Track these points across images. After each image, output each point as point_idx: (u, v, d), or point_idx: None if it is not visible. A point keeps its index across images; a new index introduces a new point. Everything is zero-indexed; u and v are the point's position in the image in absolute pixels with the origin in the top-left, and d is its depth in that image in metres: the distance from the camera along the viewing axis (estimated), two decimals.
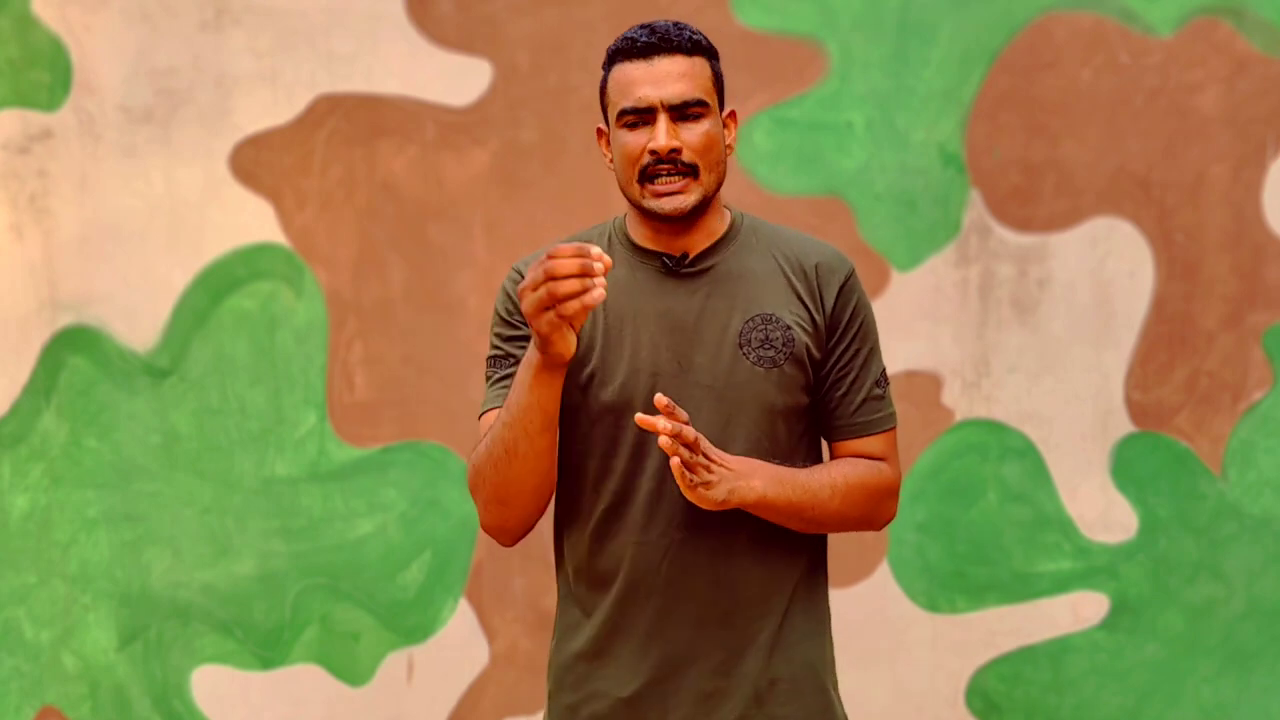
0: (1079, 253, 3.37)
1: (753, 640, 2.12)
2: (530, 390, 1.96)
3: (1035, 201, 3.36)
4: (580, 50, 3.37)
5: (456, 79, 3.38)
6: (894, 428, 2.21)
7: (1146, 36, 3.32)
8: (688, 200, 2.07)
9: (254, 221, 3.40)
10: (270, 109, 3.38)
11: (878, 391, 2.19)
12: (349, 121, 3.39)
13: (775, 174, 3.37)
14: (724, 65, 3.32)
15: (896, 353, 3.38)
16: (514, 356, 2.13)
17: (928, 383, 3.41)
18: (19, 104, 3.37)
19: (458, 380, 3.39)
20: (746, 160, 3.36)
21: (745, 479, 2.01)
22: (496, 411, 2.09)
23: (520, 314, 2.12)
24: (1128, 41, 3.32)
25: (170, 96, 3.37)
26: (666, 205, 2.06)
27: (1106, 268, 3.37)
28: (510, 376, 2.11)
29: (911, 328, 3.38)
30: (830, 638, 2.23)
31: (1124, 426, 3.39)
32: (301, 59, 3.37)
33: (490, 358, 2.18)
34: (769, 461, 2.09)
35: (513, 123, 3.38)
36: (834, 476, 2.11)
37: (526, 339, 2.11)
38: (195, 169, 3.39)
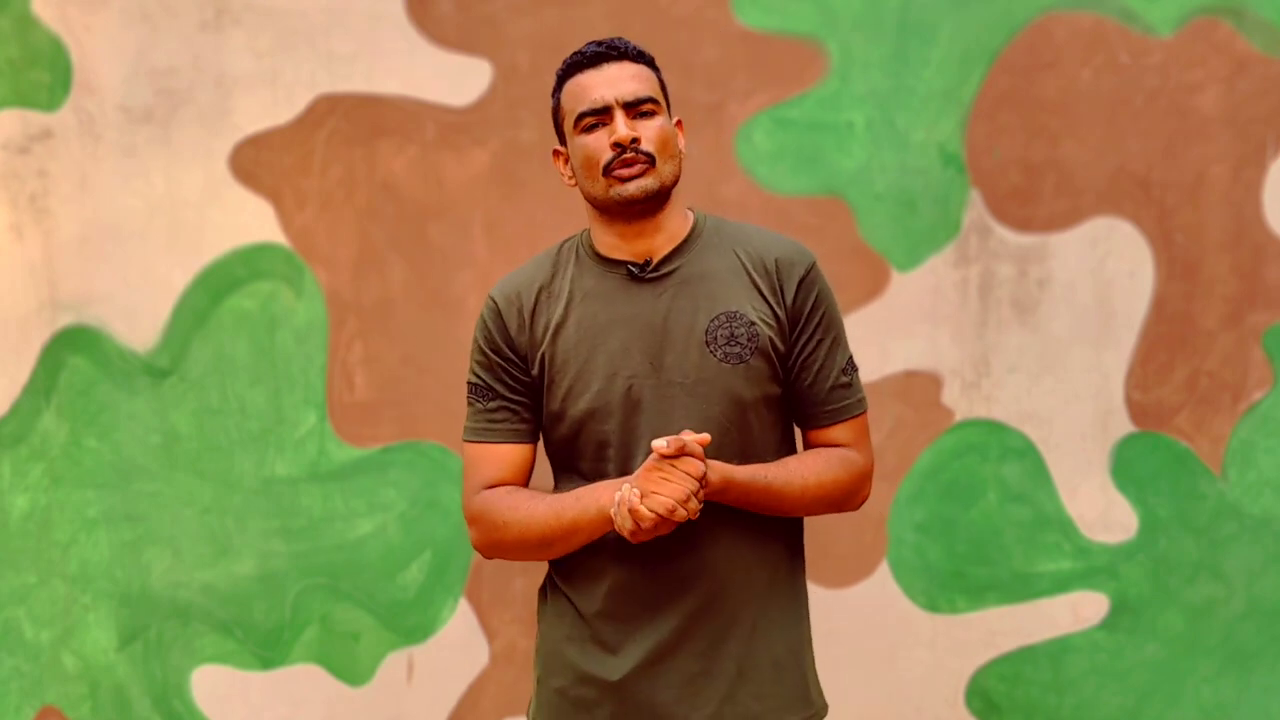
0: (1079, 253, 3.37)
1: (736, 623, 2.21)
2: (588, 533, 2.15)
3: (1035, 201, 3.36)
4: None
5: (456, 79, 3.38)
6: (864, 413, 2.29)
7: (1146, 36, 3.32)
8: (649, 183, 2.15)
9: (254, 221, 3.40)
10: (270, 109, 3.38)
11: (844, 379, 2.26)
12: (349, 121, 3.39)
13: (775, 174, 3.37)
14: (724, 65, 3.34)
15: (896, 353, 3.39)
16: (494, 389, 2.26)
17: (928, 383, 3.41)
18: (19, 104, 3.37)
19: (458, 380, 3.37)
20: (746, 160, 3.36)
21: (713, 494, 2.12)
22: (484, 446, 2.26)
23: (496, 346, 2.25)
24: (1128, 41, 3.32)
25: (170, 96, 3.37)
26: (631, 187, 2.14)
27: (1106, 268, 3.37)
28: (496, 411, 2.26)
29: (911, 328, 3.38)
30: (808, 622, 2.32)
31: (1124, 426, 3.39)
32: (301, 59, 3.37)
33: (472, 385, 2.29)
34: (740, 449, 2.19)
35: (513, 123, 3.39)
36: (806, 477, 2.21)
37: (507, 371, 2.25)
38: (195, 169, 3.39)
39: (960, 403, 3.41)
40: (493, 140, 3.39)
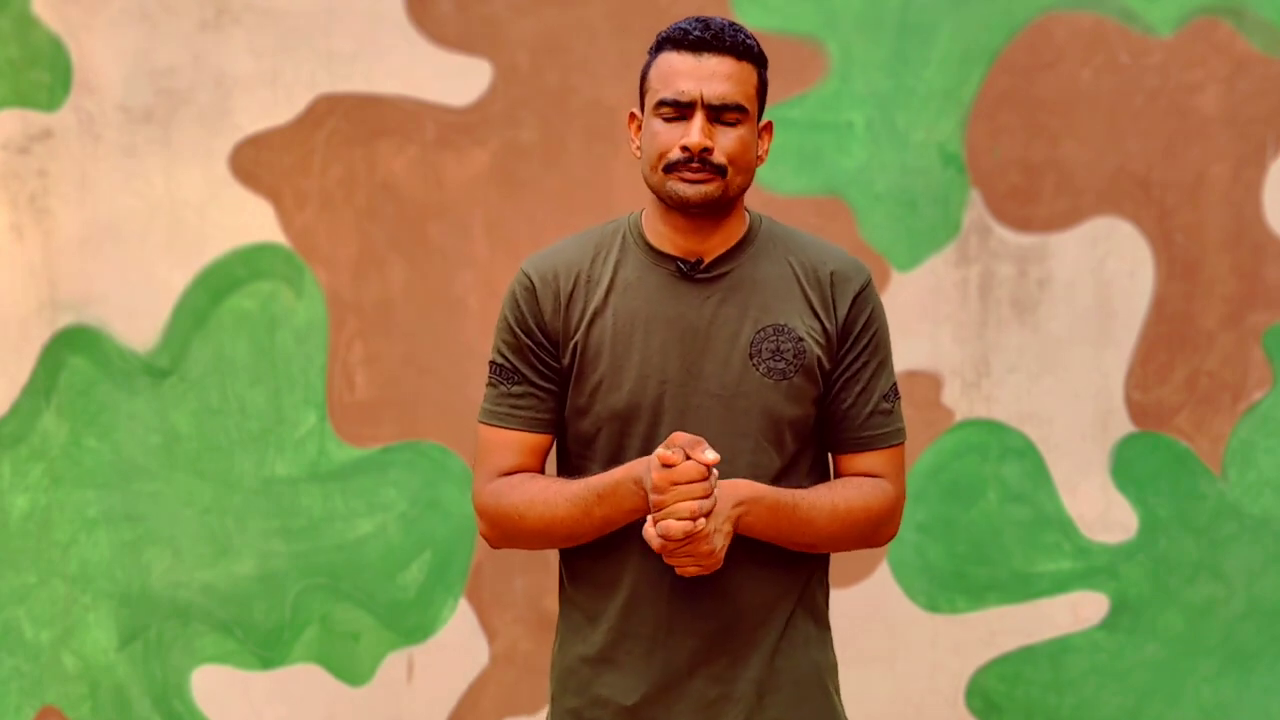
0: (1079, 253, 3.37)
1: (756, 646, 2.11)
2: (617, 521, 2.03)
3: (1035, 201, 3.36)
4: (580, 50, 3.37)
5: (456, 79, 3.38)
6: (901, 444, 2.17)
7: (1146, 36, 3.32)
8: (710, 190, 2.02)
9: (254, 221, 3.40)
10: (270, 109, 3.38)
11: (886, 405, 2.15)
12: (349, 121, 3.38)
13: (775, 174, 3.37)
14: None
15: (896, 353, 3.36)
16: (521, 372, 2.12)
17: (928, 383, 3.41)
18: (19, 104, 3.37)
19: (458, 380, 3.39)
20: None
21: (738, 513, 2.01)
22: (503, 431, 2.13)
23: (528, 327, 2.12)
24: (1128, 41, 3.32)
25: (170, 96, 3.37)
26: (689, 191, 2.02)
27: (1106, 268, 3.37)
28: (521, 397, 2.12)
29: (911, 328, 3.38)
30: (831, 642, 2.22)
31: (1124, 426, 3.39)
32: (301, 59, 3.37)
33: (495, 366, 2.16)
34: (774, 470, 2.08)
35: (513, 123, 3.38)
36: (835, 502, 2.09)
37: (537, 355, 2.12)
38: (195, 169, 3.39)
39: (960, 403, 3.41)
40: (493, 140, 3.39)
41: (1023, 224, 3.37)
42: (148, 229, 3.40)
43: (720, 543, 1.97)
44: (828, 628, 2.21)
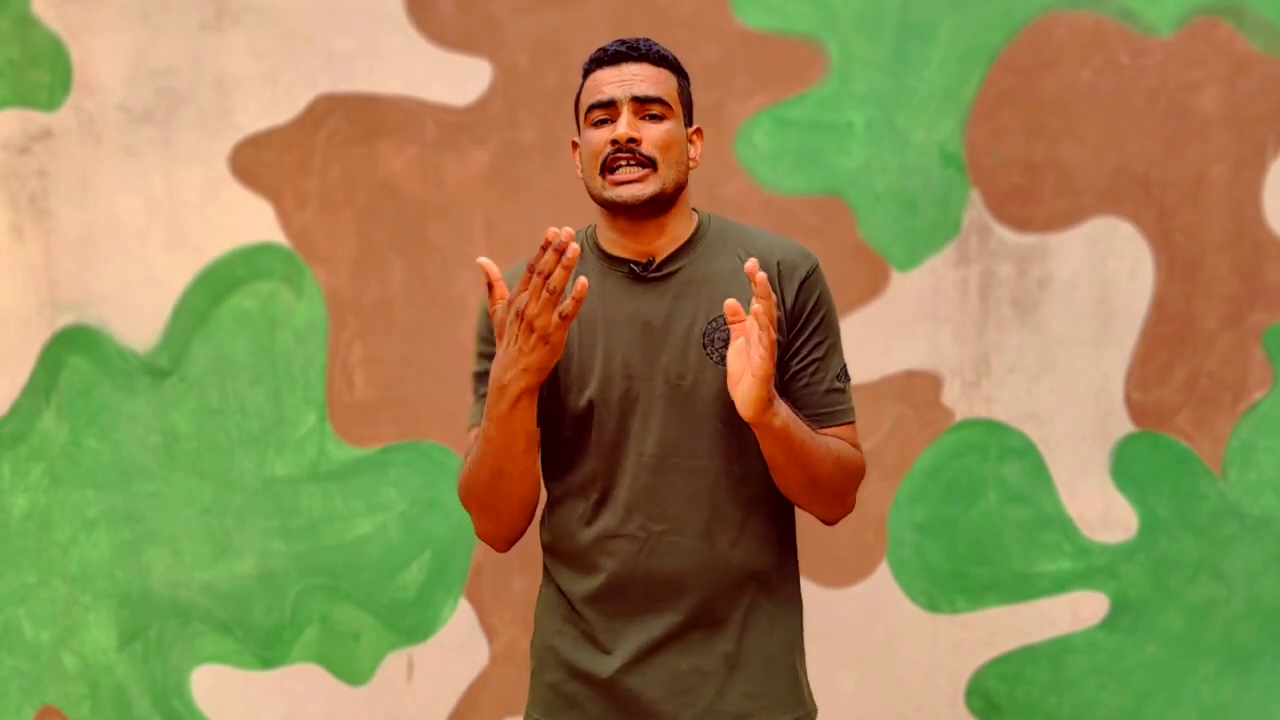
0: (1079, 253, 3.37)
1: (726, 623, 2.20)
2: (511, 419, 2.06)
3: (1035, 201, 3.36)
4: (580, 50, 3.35)
5: (456, 79, 3.38)
6: (854, 422, 2.27)
7: (1146, 36, 3.32)
8: (645, 189, 2.15)
9: (254, 221, 3.40)
10: (270, 109, 3.38)
11: (839, 385, 2.25)
12: (349, 121, 3.39)
13: (775, 174, 3.37)
14: (724, 65, 3.34)
15: (896, 353, 3.39)
16: None
17: (928, 383, 3.41)
18: (19, 104, 3.37)
19: (458, 380, 3.39)
20: (746, 160, 3.36)
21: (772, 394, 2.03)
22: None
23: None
24: (1128, 41, 3.32)
25: (170, 96, 3.37)
26: (624, 193, 2.14)
27: (1106, 268, 3.37)
28: None
29: (911, 328, 3.38)
30: (801, 622, 2.30)
31: (1124, 426, 3.39)
32: (301, 59, 3.37)
33: (476, 376, 2.27)
34: (733, 455, 2.17)
35: (513, 123, 3.39)
36: (828, 441, 2.17)
37: None
38: (195, 169, 3.39)
39: (960, 403, 3.41)
40: (493, 140, 3.39)
41: (1023, 224, 3.37)
42: (148, 229, 3.40)
43: (767, 375, 1.97)
44: (797, 606, 2.29)
